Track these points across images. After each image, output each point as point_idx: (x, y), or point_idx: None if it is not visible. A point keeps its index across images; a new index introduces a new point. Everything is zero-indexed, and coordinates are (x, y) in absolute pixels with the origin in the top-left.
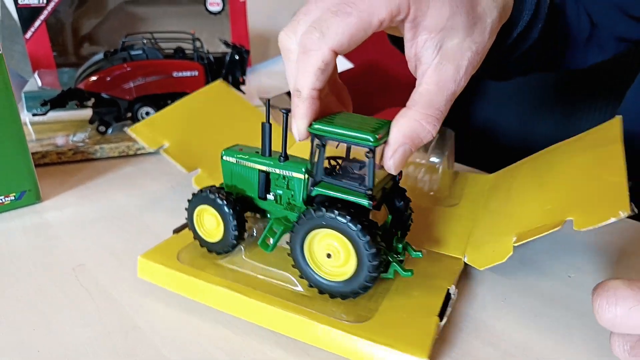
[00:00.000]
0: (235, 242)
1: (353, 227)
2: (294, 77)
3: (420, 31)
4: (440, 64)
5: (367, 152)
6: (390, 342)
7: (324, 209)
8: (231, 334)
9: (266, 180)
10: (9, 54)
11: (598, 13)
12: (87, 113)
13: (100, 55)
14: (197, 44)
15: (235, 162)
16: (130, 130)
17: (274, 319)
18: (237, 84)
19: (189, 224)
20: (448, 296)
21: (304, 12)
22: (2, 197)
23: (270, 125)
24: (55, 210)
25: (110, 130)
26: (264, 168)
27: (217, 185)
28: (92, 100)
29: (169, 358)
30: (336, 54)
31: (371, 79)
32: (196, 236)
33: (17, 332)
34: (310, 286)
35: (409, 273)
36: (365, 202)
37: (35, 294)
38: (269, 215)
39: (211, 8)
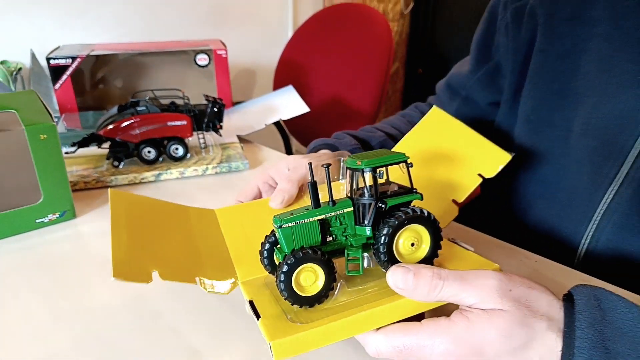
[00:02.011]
0: (334, 283)
1: (429, 216)
2: None
3: None
4: None
5: (408, 163)
6: None
7: (409, 210)
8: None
9: (323, 224)
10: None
11: None
12: (104, 151)
13: (114, 110)
14: (186, 100)
15: (294, 224)
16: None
17: (395, 312)
18: (216, 129)
19: (285, 291)
20: None
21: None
22: (50, 215)
23: (316, 182)
24: (87, 224)
25: (121, 165)
26: (322, 217)
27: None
28: (108, 142)
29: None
30: None
31: (331, 110)
32: (291, 298)
33: (60, 308)
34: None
35: None
36: (419, 196)
37: (75, 280)
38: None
39: (200, 62)
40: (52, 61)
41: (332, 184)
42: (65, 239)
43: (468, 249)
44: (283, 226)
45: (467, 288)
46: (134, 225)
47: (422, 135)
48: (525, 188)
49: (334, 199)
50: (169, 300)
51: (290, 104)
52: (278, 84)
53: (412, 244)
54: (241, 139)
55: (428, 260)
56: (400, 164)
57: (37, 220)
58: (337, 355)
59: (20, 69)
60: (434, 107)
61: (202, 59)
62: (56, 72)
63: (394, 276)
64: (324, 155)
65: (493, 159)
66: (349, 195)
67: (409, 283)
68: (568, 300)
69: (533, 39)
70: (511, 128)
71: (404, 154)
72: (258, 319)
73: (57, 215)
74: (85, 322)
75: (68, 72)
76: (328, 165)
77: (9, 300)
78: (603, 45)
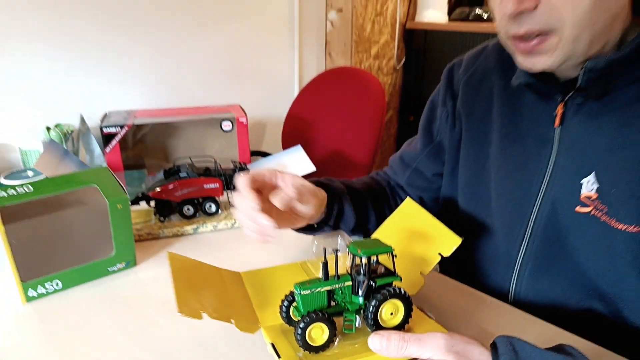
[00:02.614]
0: (334, 338)
1: (405, 294)
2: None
3: None
4: None
5: (392, 254)
6: None
7: (392, 289)
8: None
9: (330, 294)
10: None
11: None
12: (151, 209)
13: (161, 174)
14: (217, 165)
15: (310, 292)
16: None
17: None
18: None
19: (301, 341)
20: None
21: None
22: (118, 264)
23: (327, 262)
24: (144, 271)
25: (166, 220)
26: (330, 288)
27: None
28: (155, 201)
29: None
30: None
31: (332, 160)
32: (304, 346)
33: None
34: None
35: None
36: (399, 278)
37: (137, 318)
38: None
39: (225, 128)
40: (104, 129)
41: (338, 255)
42: (130, 283)
43: (430, 316)
44: (302, 293)
45: (424, 347)
46: (187, 280)
47: (398, 221)
48: (467, 246)
49: (339, 274)
50: (214, 331)
51: (299, 163)
52: (285, 135)
53: (392, 313)
54: None
55: (401, 325)
56: (388, 254)
57: (109, 269)
58: None
59: (72, 131)
60: (407, 198)
61: (226, 125)
62: (107, 138)
63: (373, 341)
64: (304, 185)
65: (449, 242)
66: (349, 271)
67: (383, 345)
68: (493, 347)
69: (460, 131)
70: (454, 195)
71: (391, 247)
72: (279, 358)
73: (124, 265)
74: (152, 347)
75: (117, 138)
76: (336, 251)
77: (91, 331)
78: (499, 137)
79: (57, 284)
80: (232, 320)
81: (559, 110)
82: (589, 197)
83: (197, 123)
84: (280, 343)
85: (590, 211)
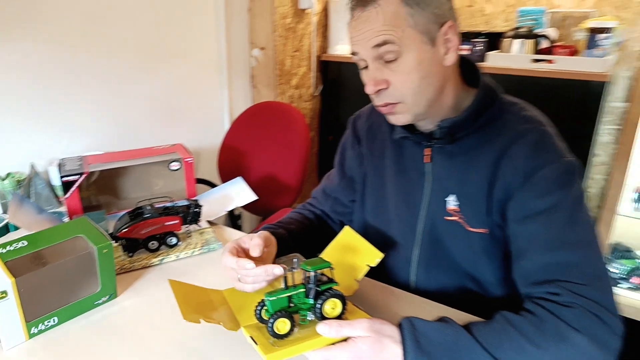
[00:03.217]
0: (294, 328)
1: (341, 294)
2: None
3: None
4: None
5: (331, 268)
6: None
7: (332, 290)
8: None
9: (289, 299)
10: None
11: None
12: (119, 246)
13: (125, 215)
14: (175, 203)
15: (276, 298)
16: (185, 320)
17: (321, 342)
18: (196, 222)
19: (271, 332)
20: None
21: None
22: (103, 298)
23: (286, 277)
24: (125, 301)
25: (134, 255)
26: (289, 294)
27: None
28: (124, 240)
29: None
30: None
31: (266, 184)
32: (274, 335)
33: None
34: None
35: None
36: (336, 283)
37: (125, 340)
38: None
39: (172, 168)
40: (64, 178)
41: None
42: (114, 312)
43: (360, 308)
44: (270, 299)
45: (354, 329)
46: (185, 297)
47: (339, 242)
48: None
49: (296, 284)
50: (200, 334)
51: (241, 193)
52: (221, 164)
53: (332, 308)
54: (210, 222)
55: (339, 316)
56: (328, 268)
57: (95, 303)
58: None
59: (23, 179)
60: (346, 226)
61: (174, 165)
62: (67, 185)
63: (320, 328)
64: (264, 233)
65: (374, 256)
66: (303, 282)
67: (327, 330)
68: (399, 326)
69: (365, 167)
70: (365, 217)
71: (329, 263)
72: (257, 345)
73: (107, 297)
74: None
75: (76, 184)
76: (293, 268)
77: (87, 357)
78: (392, 172)
79: (53, 320)
80: (221, 323)
81: (427, 152)
82: (453, 210)
83: (148, 164)
84: (257, 335)
85: (455, 220)
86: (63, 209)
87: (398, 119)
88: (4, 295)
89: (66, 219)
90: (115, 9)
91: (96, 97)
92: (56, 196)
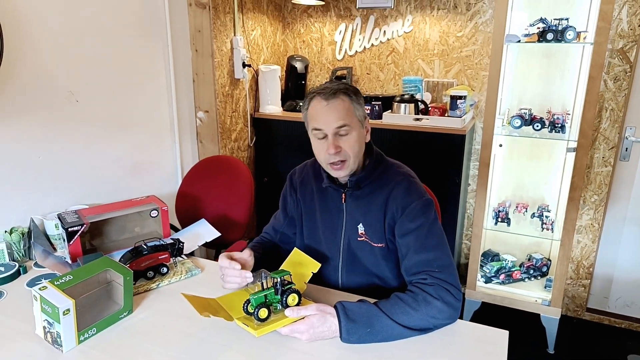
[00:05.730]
0: (270, 314)
1: (298, 291)
2: None
3: None
4: None
5: (290, 275)
6: None
7: (291, 288)
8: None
9: (265, 296)
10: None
11: None
12: None
13: (127, 252)
14: (163, 241)
15: (257, 296)
16: (201, 315)
17: (288, 321)
18: (179, 255)
19: (256, 318)
20: None
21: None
22: (125, 314)
23: (263, 282)
24: (138, 315)
25: (136, 283)
26: (265, 293)
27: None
28: None
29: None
30: None
31: (220, 222)
32: (257, 319)
33: None
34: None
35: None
36: (294, 284)
37: (142, 344)
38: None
39: (152, 215)
40: (69, 229)
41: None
42: (133, 324)
43: (309, 299)
44: (254, 297)
45: (307, 310)
46: (194, 302)
47: (293, 259)
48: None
49: (268, 286)
50: (199, 330)
51: (207, 231)
52: (178, 209)
53: (293, 300)
54: (187, 255)
55: (297, 304)
56: (288, 275)
57: (120, 317)
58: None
59: (25, 232)
60: (295, 248)
61: (154, 213)
62: (70, 234)
63: (286, 312)
64: (247, 251)
65: (315, 266)
66: (272, 285)
67: (290, 313)
68: (335, 307)
69: (301, 209)
70: (303, 242)
71: (289, 272)
72: (248, 327)
73: (127, 313)
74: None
75: (78, 234)
76: (266, 277)
77: (119, 357)
78: (319, 211)
79: (93, 330)
80: (221, 317)
81: (343, 196)
82: (362, 233)
83: (132, 213)
84: (246, 322)
85: (364, 240)
86: (59, 253)
87: (341, 173)
88: (67, 312)
89: (68, 260)
90: (89, 88)
91: (75, 160)
92: (51, 244)
